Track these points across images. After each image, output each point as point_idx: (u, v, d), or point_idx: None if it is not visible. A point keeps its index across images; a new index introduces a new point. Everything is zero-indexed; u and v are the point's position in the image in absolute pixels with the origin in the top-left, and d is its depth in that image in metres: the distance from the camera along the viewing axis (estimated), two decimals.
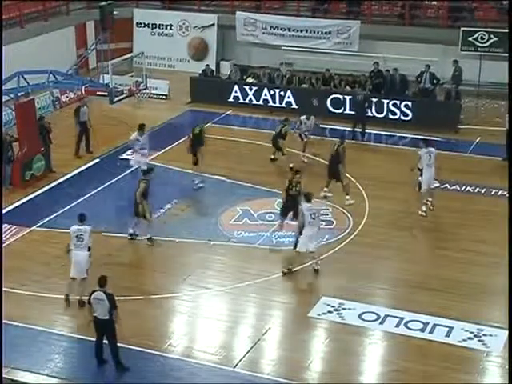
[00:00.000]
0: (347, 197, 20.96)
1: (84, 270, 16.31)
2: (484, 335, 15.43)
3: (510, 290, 15.55)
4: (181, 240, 19.44)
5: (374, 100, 27.21)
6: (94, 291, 14.31)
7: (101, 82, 24.79)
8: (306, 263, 17.77)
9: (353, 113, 26.85)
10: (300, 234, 17.39)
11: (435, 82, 28.12)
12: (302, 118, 23.78)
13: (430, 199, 20.29)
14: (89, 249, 16.30)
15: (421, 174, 20.18)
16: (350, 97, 27.32)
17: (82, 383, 14.42)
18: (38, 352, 15.13)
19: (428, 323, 15.79)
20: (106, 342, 14.51)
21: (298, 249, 17.48)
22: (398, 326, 15.79)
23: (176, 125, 27.77)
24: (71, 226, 16.42)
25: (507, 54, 27.13)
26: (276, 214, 20.15)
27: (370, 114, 26.84)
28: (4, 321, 15.37)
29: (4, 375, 14.12)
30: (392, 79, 28.33)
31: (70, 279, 16.40)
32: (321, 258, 18.16)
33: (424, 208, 20.18)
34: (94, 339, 14.66)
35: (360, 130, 26.09)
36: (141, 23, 34.92)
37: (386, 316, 16.12)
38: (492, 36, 28.81)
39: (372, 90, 28.20)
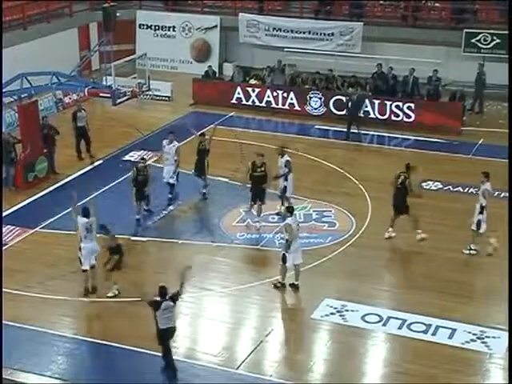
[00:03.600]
0: (419, 230, 19.18)
1: (93, 258, 16.72)
2: (487, 337, 15.44)
3: (509, 292, 15.55)
4: (183, 241, 19.47)
5: (377, 102, 27.33)
6: (160, 302, 13.84)
7: (104, 83, 24.81)
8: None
9: (347, 113, 26.98)
10: (289, 248, 16.82)
11: (440, 85, 28.15)
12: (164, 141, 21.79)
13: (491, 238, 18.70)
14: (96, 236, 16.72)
15: (481, 212, 18.50)
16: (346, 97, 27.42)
17: None
18: (41, 353, 15.14)
19: (431, 325, 15.79)
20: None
21: (288, 264, 17.01)
22: (400, 327, 15.79)
23: (179, 126, 27.77)
24: (79, 218, 16.63)
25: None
26: (279, 216, 20.16)
27: (362, 113, 26.93)
28: (8, 322, 15.46)
29: (7, 376, 14.14)
30: (405, 80, 28.40)
31: (83, 273, 16.72)
32: (322, 260, 18.23)
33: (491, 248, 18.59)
34: (99, 341, 14.69)
35: (356, 130, 26.18)
36: (144, 25, 34.95)
37: (389, 318, 16.12)
38: (495, 38, 28.84)
39: (373, 91, 28.26)
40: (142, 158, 21.11)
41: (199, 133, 22.48)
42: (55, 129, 23.70)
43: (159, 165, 23.59)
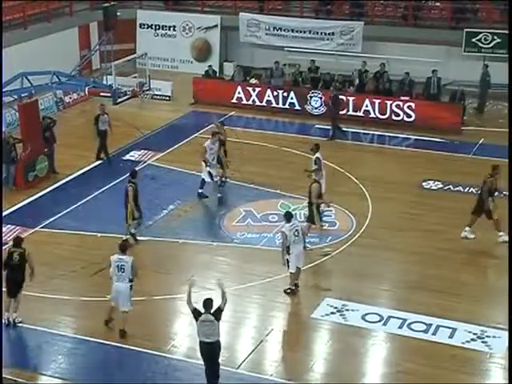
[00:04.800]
0: (501, 233, 18.96)
1: (125, 302, 15.38)
2: (487, 337, 15.42)
3: (510, 291, 15.55)
4: (184, 241, 19.46)
5: (377, 101, 27.34)
6: (200, 313, 13.52)
7: (104, 82, 24.79)
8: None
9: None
10: (288, 253, 16.71)
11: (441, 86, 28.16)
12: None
13: None
14: (130, 280, 15.30)
15: None
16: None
17: None
18: (42, 353, 15.17)
19: (431, 324, 15.78)
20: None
21: (290, 270, 16.88)
22: (401, 327, 15.78)
23: (179, 126, 27.79)
24: (112, 256, 15.51)
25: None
26: (279, 215, 20.14)
27: (341, 112, 26.98)
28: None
29: (7, 376, 14.13)
30: (402, 82, 28.39)
31: (111, 304, 15.67)
32: (323, 259, 18.22)
33: None
34: (99, 341, 14.66)
35: (333, 127, 26.24)
36: (144, 24, 34.96)
37: (389, 317, 16.11)
38: (495, 37, 28.82)
39: (374, 91, 28.31)
40: (132, 174, 19.42)
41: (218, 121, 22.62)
42: (52, 120, 23.57)
43: (160, 164, 23.65)
